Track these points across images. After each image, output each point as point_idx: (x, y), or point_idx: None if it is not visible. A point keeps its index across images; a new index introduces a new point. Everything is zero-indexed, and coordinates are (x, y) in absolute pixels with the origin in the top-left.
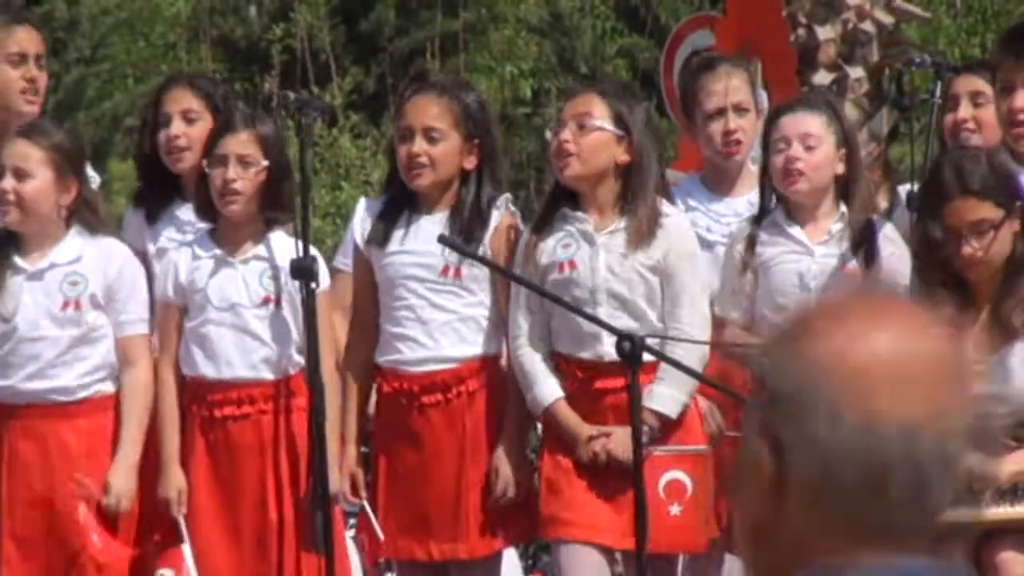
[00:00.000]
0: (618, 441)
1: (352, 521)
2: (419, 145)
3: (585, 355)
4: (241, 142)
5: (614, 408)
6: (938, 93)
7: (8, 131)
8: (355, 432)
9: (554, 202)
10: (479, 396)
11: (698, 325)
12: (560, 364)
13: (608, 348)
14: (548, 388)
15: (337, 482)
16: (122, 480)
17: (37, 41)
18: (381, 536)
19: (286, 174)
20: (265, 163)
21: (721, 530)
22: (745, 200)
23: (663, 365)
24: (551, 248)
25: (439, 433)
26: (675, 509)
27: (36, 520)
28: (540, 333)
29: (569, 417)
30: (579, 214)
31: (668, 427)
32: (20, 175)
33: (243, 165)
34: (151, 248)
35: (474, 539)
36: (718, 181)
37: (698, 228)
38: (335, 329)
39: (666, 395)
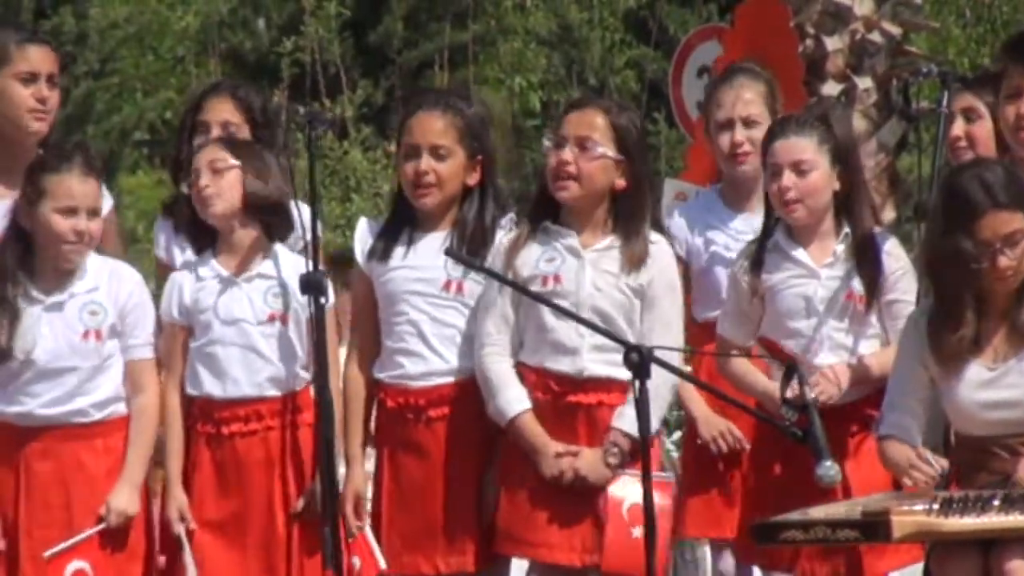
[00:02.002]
0: (586, 461)
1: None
2: (426, 163)
3: (563, 368)
4: (210, 151)
5: (586, 425)
6: (945, 103)
7: (20, 150)
8: (360, 453)
9: (540, 210)
10: (484, 410)
11: (671, 353)
12: (530, 376)
13: (588, 363)
14: (515, 397)
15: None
16: (123, 501)
17: (50, 60)
18: (382, 563)
19: (270, 180)
20: (233, 162)
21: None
22: (762, 214)
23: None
24: (533, 260)
25: (445, 446)
26: (637, 532)
27: (54, 541)
28: (509, 343)
29: (535, 430)
30: (563, 229)
31: (634, 450)
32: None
33: (213, 171)
34: (179, 259)
35: (480, 551)
36: (734, 194)
37: (716, 246)
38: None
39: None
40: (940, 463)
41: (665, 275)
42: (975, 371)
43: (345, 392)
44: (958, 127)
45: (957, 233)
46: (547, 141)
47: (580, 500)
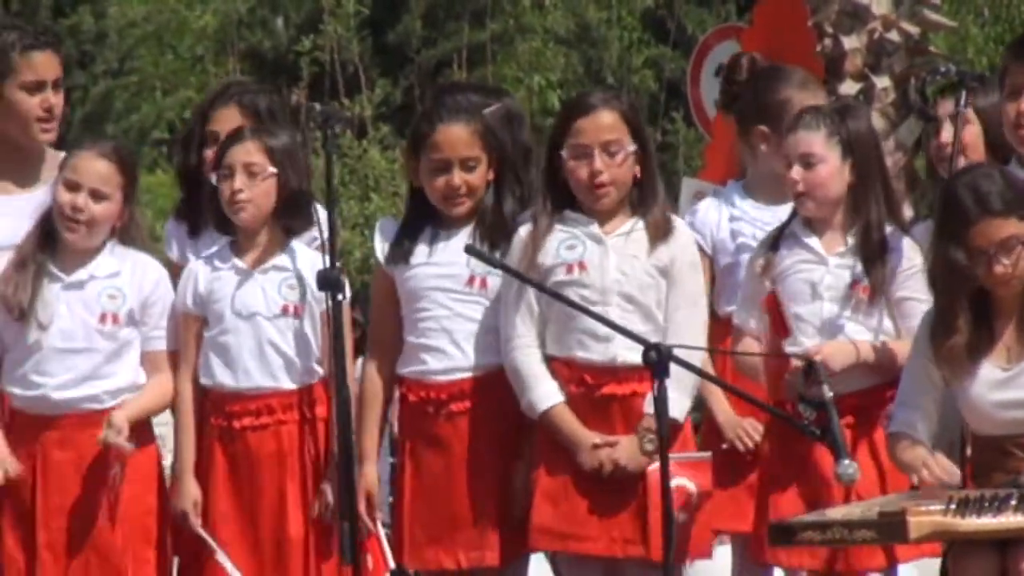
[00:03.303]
0: (624, 451)
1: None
2: (459, 177)
3: (595, 358)
4: (247, 151)
5: (622, 416)
6: (963, 102)
7: (30, 153)
8: (374, 451)
9: (556, 200)
10: (505, 404)
11: (697, 329)
12: (562, 369)
13: (620, 349)
14: (548, 391)
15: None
16: (118, 417)
17: (55, 66)
18: (391, 563)
19: (300, 182)
20: (272, 170)
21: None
22: (790, 207)
23: None
24: (554, 249)
25: (467, 440)
26: (681, 516)
27: (72, 531)
28: (538, 337)
29: (571, 422)
30: (582, 216)
31: (672, 432)
32: (97, 197)
33: (249, 175)
34: (193, 260)
35: (501, 546)
36: (769, 191)
37: (744, 237)
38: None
39: (671, 399)
40: (953, 475)
41: (687, 253)
42: (989, 371)
43: (362, 390)
44: (947, 133)
45: (950, 242)
46: (565, 154)
47: (619, 491)
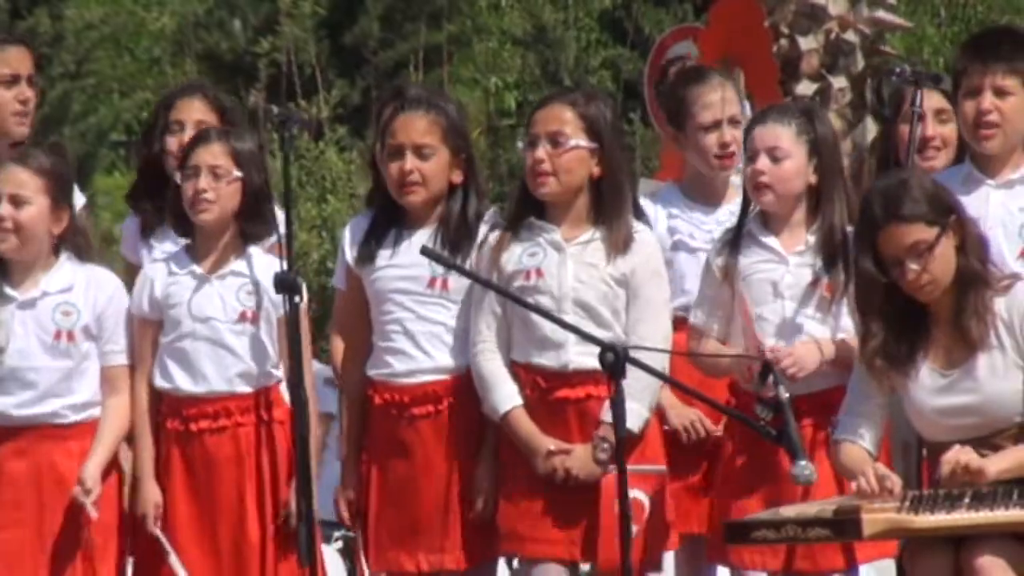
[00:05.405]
0: (577, 459)
1: (336, 534)
2: (411, 162)
3: (548, 363)
4: (213, 153)
5: (577, 419)
6: (918, 102)
7: (1, 152)
8: (355, 454)
9: (522, 208)
10: (468, 407)
11: (658, 341)
12: (520, 373)
13: (573, 356)
14: (507, 394)
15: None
16: (91, 476)
17: (28, 61)
18: (365, 571)
19: (264, 188)
20: (237, 174)
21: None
22: (726, 209)
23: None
24: (517, 256)
25: (429, 444)
26: (632, 528)
27: (25, 540)
28: (502, 339)
29: (527, 427)
30: (546, 224)
31: (629, 444)
32: (17, 202)
33: (214, 176)
34: (146, 260)
35: (463, 550)
36: (704, 193)
37: (680, 235)
38: (336, 349)
39: (629, 410)
40: (894, 482)
41: (649, 263)
42: (928, 376)
43: (344, 393)
44: (930, 128)
45: (861, 250)
46: (520, 143)
47: (577, 496)
